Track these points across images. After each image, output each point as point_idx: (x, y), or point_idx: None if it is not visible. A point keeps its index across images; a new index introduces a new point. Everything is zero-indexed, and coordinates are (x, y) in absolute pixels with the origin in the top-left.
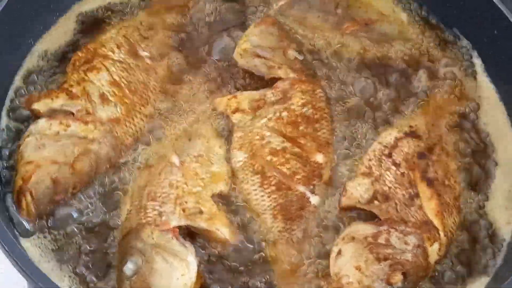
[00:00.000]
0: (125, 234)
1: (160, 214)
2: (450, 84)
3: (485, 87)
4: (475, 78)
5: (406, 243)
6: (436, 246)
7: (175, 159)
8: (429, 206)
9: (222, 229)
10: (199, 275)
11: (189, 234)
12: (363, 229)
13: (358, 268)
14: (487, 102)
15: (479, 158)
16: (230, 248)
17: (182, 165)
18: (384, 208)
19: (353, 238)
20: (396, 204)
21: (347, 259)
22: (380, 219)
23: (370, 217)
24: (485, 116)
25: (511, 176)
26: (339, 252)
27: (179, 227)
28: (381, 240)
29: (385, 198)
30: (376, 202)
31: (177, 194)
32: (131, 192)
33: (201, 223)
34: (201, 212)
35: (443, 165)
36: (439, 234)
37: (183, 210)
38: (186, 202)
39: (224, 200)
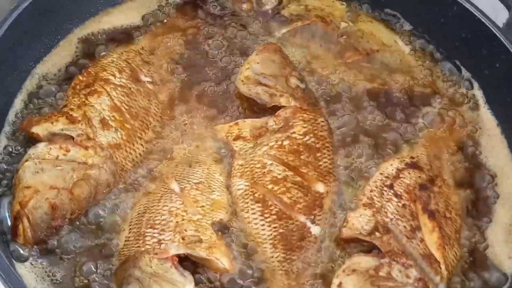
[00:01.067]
0: (123, 261)
1: (159, 242)
2: (451, 116)
3: (486, 119)
4: (476, 110)
5: (407, 276)
6: (437, 279)
7: (175, 186)
8: (431, 239)
9: (222, 259)
10: None
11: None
12: (364, 261)
13: None
14: (488, 134)
15: (479, 191)
16: (229, 277)
17: (182, 192)
18: (386, 240)
19: (354, 270)
20: (397, 236)
21: None
22: (382, 251)
23: (371, 248)
24: (486, 148)
25: (511, 210)
26: (340, 285)
27: (178, 256)
28: (383, 273)
29: (386, 230)
30: (377, 233)
31: (176, 222)
32: (129, 219)
33: (200, 252)
34: (200, 240)
35: (444, 197)
36: (440, 267)
37: (183, 238)
38: (185, 230)
39: (224, 228)
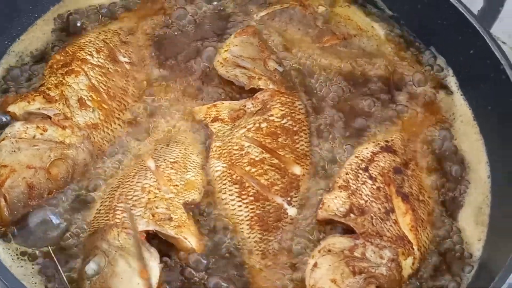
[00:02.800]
0: (92, 233)
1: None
2: (425, 101)
3: (460, 105)
4: (450, 96)
5: (381, 257)
6: (410, 260)
7: (151, 163)
8: (404, 221)
9: (190, 238)
10: (160, 282)
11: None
12: (339, 242)
13: (333, 281)
14: (461, 120)
15: (451, 175)
16: (196, 257)
17: (157, 170)
18: (360, 222)
19: (329, 251)
20: (372, 218)
21: (323, 271)
22: (356, 232)
23: (346, 230)
24: (458, 133)
25: (482, 193)
26: (315, 265)
27: (147, 232)
28: (357, 253)
29: (361, 212)
30: (352, 215)
31: (148, 199)
32: (103, 192)
33: (169, 230)
34: (170, 219)
35: (417, 180)
36: (413, 248)
37: (153, 215)
38: (156, 208)
39: (195, 208)
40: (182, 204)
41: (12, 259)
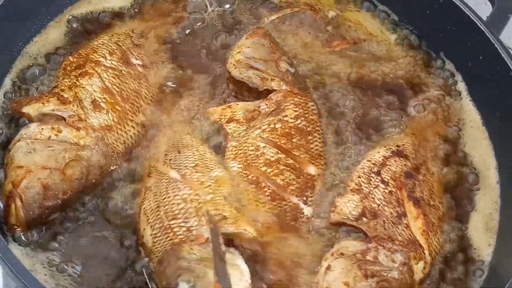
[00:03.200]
0: (160, 259)
1: (188, 229)
2: (435, 107)
3: (469, 111)
4: (459, 101)
5: (393, 260)
6: (421, 264)
7: (175, 174)
8: (416, 225)
9: (249, 229)
10: None
11: None
12: (352, 245)
13: (346, 284)
14: (471, 125)
15: (461, 181)
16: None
17: (185, 178)
18: (373, 226)
19: (342, 254)
20: (384, 221)
21: (336, 274)
22: (369, 236)
23: (359, 232)
24: (468, 139)
25: (491, 199)
26: (328, 267)
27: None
28: (370, 257)
29: (373, 215)
30: (364, 219)
31: (195, 207)
32: (144, 217)
33: (229, 228)
34: (225, 217)
35: (428, 185)
36: (424, 253)
37: None
38: (207, 212)
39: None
40: (223, 200)
41: (33, 264)
